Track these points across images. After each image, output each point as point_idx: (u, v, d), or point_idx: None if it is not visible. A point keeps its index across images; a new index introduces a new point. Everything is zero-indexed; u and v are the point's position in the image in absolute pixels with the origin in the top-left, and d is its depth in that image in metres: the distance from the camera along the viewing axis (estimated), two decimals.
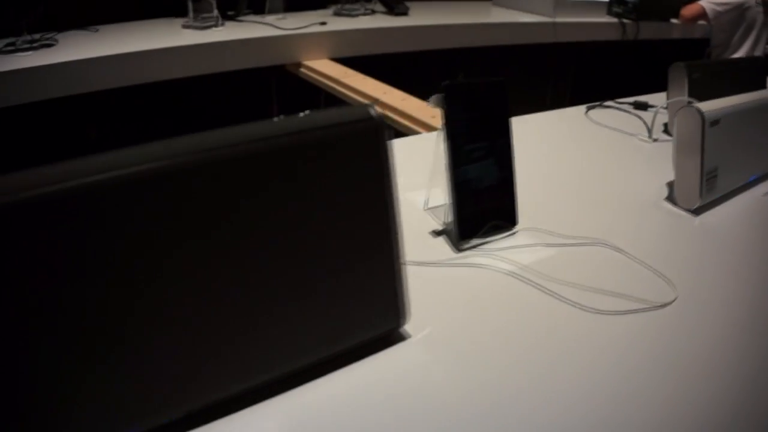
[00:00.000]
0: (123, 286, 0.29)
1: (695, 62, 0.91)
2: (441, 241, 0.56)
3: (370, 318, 0.39)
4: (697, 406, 0.38)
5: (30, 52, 1.35)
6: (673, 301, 0.50)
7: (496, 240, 0.57)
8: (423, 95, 1.30)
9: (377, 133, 0.36)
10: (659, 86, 1.12)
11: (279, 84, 1.67)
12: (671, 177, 0.72)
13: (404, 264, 0.40)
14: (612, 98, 1.11)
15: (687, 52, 2.64)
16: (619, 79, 2.26)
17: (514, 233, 0.58)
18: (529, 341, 0.43)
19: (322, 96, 1.69)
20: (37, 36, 1.42)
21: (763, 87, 1.00)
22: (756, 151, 0.79)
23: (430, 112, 1.18)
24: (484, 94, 0.54)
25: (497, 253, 0.55)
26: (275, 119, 0.36)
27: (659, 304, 0.49)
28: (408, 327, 0.42)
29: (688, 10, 2.52)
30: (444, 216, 0.57)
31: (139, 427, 0.31)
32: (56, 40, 1.44)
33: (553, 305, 0.48)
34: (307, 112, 0.36)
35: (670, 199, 0.71)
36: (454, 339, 0.43)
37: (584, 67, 2.31)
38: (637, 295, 0.50)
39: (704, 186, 0.69)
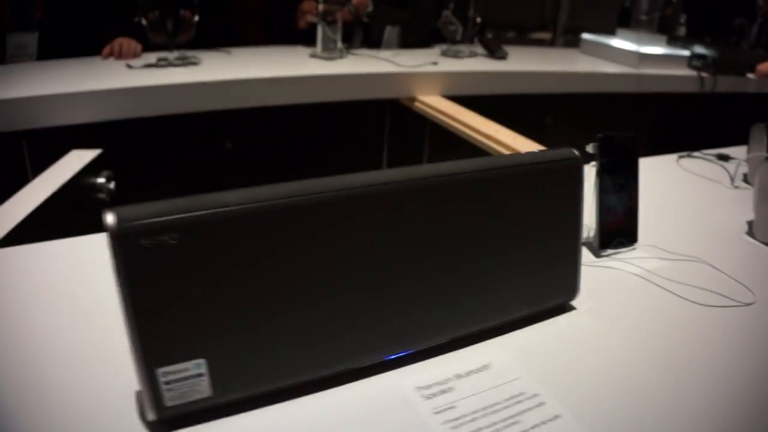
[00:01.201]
0: (370, 267, 0.51)
1: None
2: (584, 249, 0.79)
3: (550, 292, 0.62)
4: None
5: (182, 68, 1.64)
6: (754, 303, 0.71)
7: (624, 252, 0.79)
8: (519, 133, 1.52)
9: (578, 167, 0.59)
10: (734, 138, 1.32)
11: (392, 115, 1.92)
12: (750, 217, 0.93)
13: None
14: (687, 148, 1.31)
15: (762, 107, 2.81)
16: (694, 130, 2.46)
17: (635, 248, 0.81)
18: (656, 320, 0.65)
19: (427, 128, 1.95)
20: (186, 54, 1.69)
21: None
22: None
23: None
24: (623, 144, 0.77)
25: (626, 260, 0.77)
26: (513, 154, 0.59)
27: (744, 303, 0.70)
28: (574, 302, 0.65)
29: (764, 66, 2.69)
30: (587, 232, 0.80)
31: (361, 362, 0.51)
32: (199, 59, 1.72)
33: (668, 298, 0.70)
34: (534, 150, 0.59)
35: (750, 233, 0.92)
36: (609, 311, 0.65)
37: (662, 117, 2.50)
38: (728, 296, 0.71)
39: None
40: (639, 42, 2.36)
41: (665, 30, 2.62)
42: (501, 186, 0.55)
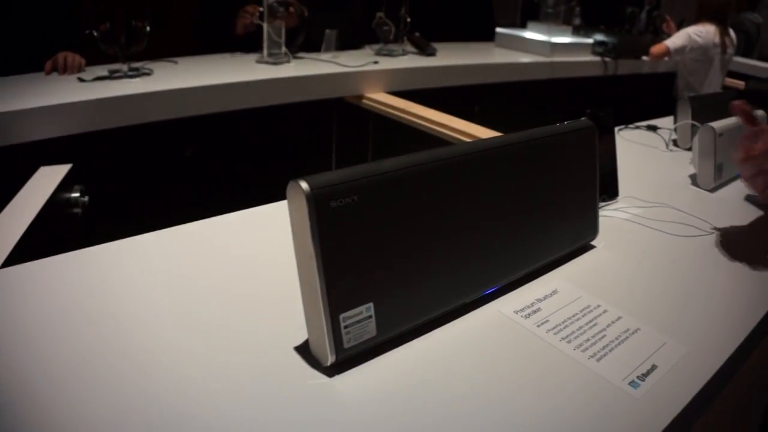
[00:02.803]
0: (456, 208, 0.65)
1: (694, 97, 1.34)
2: None
3: (581, 234, 0.77)
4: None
5: (138, 79, 1.67)
6: (714, 231, 0.90)
7: (611, 204, 0.96)
8: None
9: (593, 133, 0.75)
10: (643, 111, 1.55)
11: (339, 113, 2.04)
12: (688, 172, 1.14)
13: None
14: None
15: (655, 85, 3.18)
16: (607, 107, 2.73)
17: (617, 201, 0.98)
18: (652, 248, 0.82)
19: (371, 122, 2.08)
20: (137, 65, 1.72)
21: (730, 114, 1.44)
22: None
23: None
24: (604, 118, 0.94)
25: (615, 209, 0.94)
26: (538, 129, 0.73)
27: (708, 232, 0.89)
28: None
29: (655, 49, 3.06)
30: None
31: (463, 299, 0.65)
32: (151, 69, 1.76)
33: (655, 233, 0.87)
34: (566, 122, 0.74)
35: (695, 183, 1.12)
36: (619, 246, 0.82)
37: (573, 98, 2.78)
38: (697, 227, 0.90)
39: (715, 174, 1.10)
40: (549, 33, 2.62)
41: (565, 21, 2.90)
42: (543, 151, 0.69)
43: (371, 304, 0.53)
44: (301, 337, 0.56)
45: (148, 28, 1.65)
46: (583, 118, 0.87)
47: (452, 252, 0.59)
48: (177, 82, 1.62)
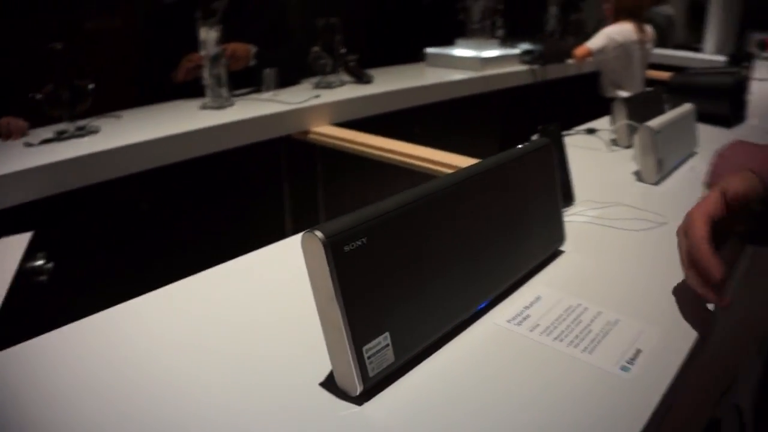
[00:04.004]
0: (443, 238, 0.75)
1: (629, 98, 1.48)
2: None
3: (551, 242, 0.87)
4: None
5: (86, 138, 1.69)
6: (667, 222, 1.01)
7: (569, 209, 1.07)
8: None
9: (550, 148, 0.85)
10: (576, 114, 1.68)
11: (287, 150, 2.11)
12: (631, 169, 1.27)
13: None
14: (535, 130, 1.66)
15: (583, 84, 3.39)
16: (538, 113, 2.92)
17: (575, 205, 1.09)
18: (616, 245, 0.93)
19: (317, 156, 2.16)
20: (82, 123, 1.73)
21: (663, 110, 1.60)
22: (678, 146, 1.35)
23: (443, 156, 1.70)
24: (554, 131, 1.05)
25: (574, 214, 1.05)
26: (501, 154, 0.83)
27: (661, 224, 1.01)
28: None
29: (578, 51, 3.27)
30: None
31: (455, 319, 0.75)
32: (98, 126, 1.77)
33: (615, 231, 0.98)
34: (520, 146, 0.84)
35: (639, 179, 1.25)
36: (585, 248, 0.92)
37: (509, 107, 2.94)
38: (651, 220, 1.01)
39: (657, 168, 1.23)
40: (478, 48, 2.77)
41: (489, 34, 3.07)
42: (510, 173, 0.79)
43: (387, 333, 0.60)
44: (321, 373, 0.63)
45: (91, 86, 1.68)
46: (535, 136, 0.98)
47: (448, 275, 0.67)
48: (127, 138, 1.65)
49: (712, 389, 1.08)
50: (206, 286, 0.84)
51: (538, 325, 0.71)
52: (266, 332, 0.72)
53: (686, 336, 0.68)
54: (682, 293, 0.77)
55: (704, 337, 0.69)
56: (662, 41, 4.18)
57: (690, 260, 0.70)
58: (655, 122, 1.26)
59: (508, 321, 0.72)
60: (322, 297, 0.58)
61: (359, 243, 0.58)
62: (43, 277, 1.33)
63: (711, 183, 0.97)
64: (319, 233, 0.56)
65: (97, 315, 0.75)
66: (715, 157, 1.00)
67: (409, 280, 0.63)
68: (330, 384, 0.61)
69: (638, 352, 0.65)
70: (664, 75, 3.39)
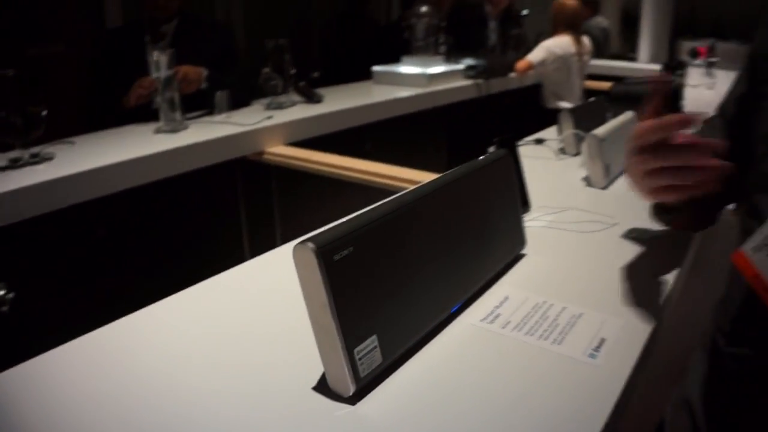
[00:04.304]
0: (419, 245, 0.81)
1: (573, 108, 1.58)
2: None
3: (513, 246, 0.94)
4: None
5: (42, 165, 1.68)
6: (617, 223, 1.10)
7: (527, 215, 1.14)
8: None
9: (509, 158, 0.92)
10: (521, 124, 1.77)
11: (242, 171, 2.13)
12: (580, 176, 1.36)
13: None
14: (482, 142, 1.75)
15: (525, 98, 3.53)
16: (485, 125, 3.03)
17: (531, 211, 1.16)
18: (572, 246, 1.00)
19: (273, 176, 2.20)
20: (36, 150, 1.73)
21: (606, 119, 1.70)
22: (623, 152, 1.45)
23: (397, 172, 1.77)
24: (509, 142, 1.12)
25: (531, 219, 1.12)
26: (465, 165, 0.90)
27: (612, 224, 1.09)
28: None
29: (519, 65, 3.41)
30: None
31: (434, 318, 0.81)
32: (52, 153, 1.76)
33: (571, 234, 1.06)
34: (482, 157, 0.90)
35: (588, 184, 1.34)
36: (544, 250, 0.99)
37: (455, 121, 3.04)
38: (601, 222, 1.10)
39: (605, 174, 1.32)
40: (423, 65, 2.86)
41: (434, 50, 3.18)
42: (475, 183, 0.85)
43: (375, 336, 0.65)
44: (312, 378, 0.67)
45: (44, 113, 1.67)
46: (493, 147, 1.05)
47: (425, 279, 0.73)
48: (83, 164, 1.65)
49: (664, 382, 1.17)
50: (181, 307, 0.86)
51: (509, 322, 0.77)
52: (257, 343, 0.75)
53: (645, 324, 0.75)
54: (636, 284, 0.85)
55: (657, 327, 0.76)
56: (599, 52, 4.39)
57: (639, 145, 0.71)
58: (600, 131, 1.35)
59: (482, 320, 0.77)
60: (314, 304, 0.62)
61: (347, 252, 0.62)
62: (4, 308, 1.32)
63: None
64: (311, 244, 0.60)
65: (66, 345, 0.76)
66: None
67: (392, 284, 0.68)
68: (323, 387, 0.65)
69: (603, 340, 0.72)
70: (603, 85, 3.57)
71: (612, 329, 0.74)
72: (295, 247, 0.61)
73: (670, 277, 0.87)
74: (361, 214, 0.67)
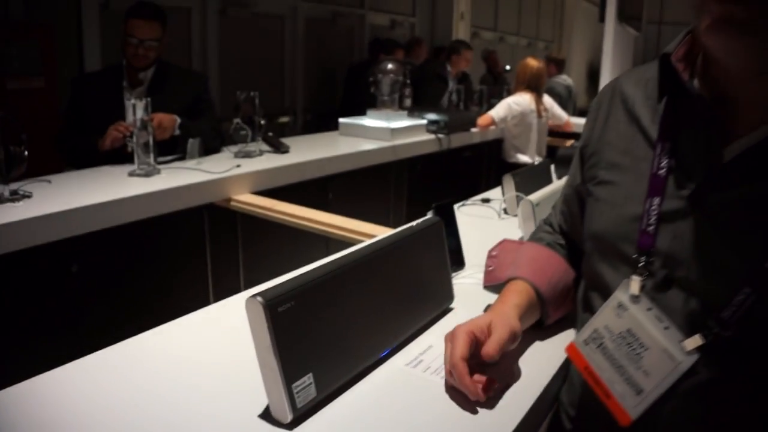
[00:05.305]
0: (353, 297, 0.98)
1: (515, 172, 1.78)
2: None
3: (441, 302, 1.11)
4: None
5: (21, 203, 1.81)
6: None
7: (460, 272, 1.32)
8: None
9: (440, 225, 1.10)
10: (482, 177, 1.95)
11: (210, 217, 2.29)
12: (519, 235, 1.54)
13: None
14: (442, 194, 1.93)
15: (486, 152, 3.76)
16: (444, 179, 3.23)
17: (465, 269, 1.34)
18: (486, 301, 1.18)
19: (238, 223, 2.36)
20: (15, 187, 1.85)
21: (550, 180, 1.91)
22: None
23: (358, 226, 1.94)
24: (446, 206, 1.30)
25: (463, 277, 1.30)
26: (400, 231, 1.07)
27: None
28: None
29: (481, 120, 3.66)
30: None
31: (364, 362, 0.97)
32: (30, 192, 1.88)
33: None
34: (413, 224, 1.08)
35: None
36: (471, 306, 1.16)
37: (416, 174, 3.24)
38: None
39: None
40: (388, 119, 3.07)
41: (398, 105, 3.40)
42: (407, 247, 1.02)
43: (311, 374, 0.81)
44: (259, 407, 0.82)
45: (26, 152, 1.80)
46: (430, 213, 1.23)
47: (359, 328, 0.89)
48: (61, 204, 1.79)
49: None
50: (143, 347, 1.01)
51: (429, 367, 0.93)
52: (214, 376, 0.90)
53: (544, 374, 0.92)
54: (542, 335, 1.02)
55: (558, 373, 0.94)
56: (564, 109, 4.66)
57: (450, 369, 0.84)
58: (535, 195, 1.54)
59: (406, 364, 0.94)
60: (261, 346, 0.78)
61: (289, 305, 0.79)
62: None
63: (486, 283, 1.21)
64: (260, 298, 0.76)
65: (31, 380, 0.88)
66: (488, 258, 1.23)
67: (328, 332, 0.84)
68: (267, 415, 0.81)
69: (507, 385, 0.89)
70: (569, 142, 3.85)
71: (518, 376, 0.91)
72: (247, 300, 0.77)
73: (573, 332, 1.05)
74: (305, 273, 0.83)
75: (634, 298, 0.78)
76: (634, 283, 0.78)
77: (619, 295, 0.80)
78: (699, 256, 0.73)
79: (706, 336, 0.71)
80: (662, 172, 0.78)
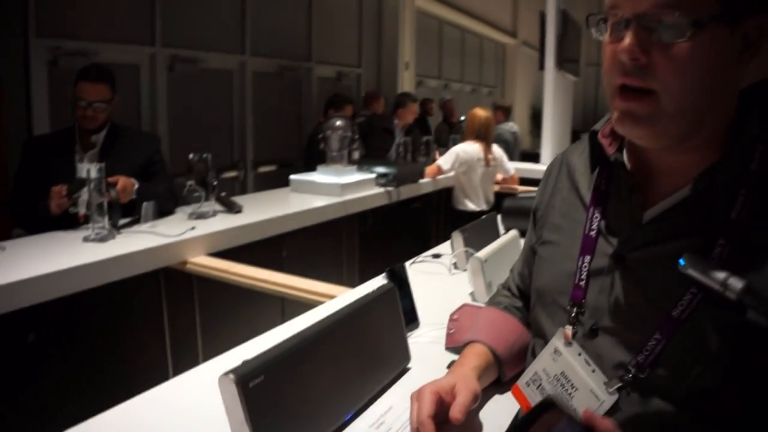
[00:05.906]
0: (317, 366, 1.06)
1: (464, 228, 1.89)
2: None
3: (398, 363, 1.19)
4: None
5: None
6: None
7: (415, 331, 1.41)
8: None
9: (394, 290, 1.19)
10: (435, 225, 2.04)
11: (165, 280, 2.32)
12: (470, 290, 1.65)
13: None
14: (394, 248, 2.04)
15: (436, 200, 3.89)
16: (395, 231, 3.34)
17: (420, 326, 1.43)
18: (441, 359, 1.27)
19: (194, 286, 2.40)
20: None
21: (498, 233, 2.03)
22: (505, 267, 1.76)
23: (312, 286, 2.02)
24: (399, 271, 1.40)
25: (419, 336, 1.38)
26: (357, 300, 1.16)
27: None
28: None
29: (429, 169, 3.81)
30: None
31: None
32: None
33: (442, 346, 1.32)
34: (368, 291, 1.17)
35: (474, 299, 1.62)
36: (430, 364, 1.24)
37: (367, 226, 3.34)
38: None
39: (487, 290, 1.61)
40: (337, 174, 3.17)
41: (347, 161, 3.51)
42: (364, 314, 1.11)
43: None
44: None
45: None
46: (383, 277, 1.32)
47: (324, 395, 0.97)
48: (15, 273, 1.82)
49: None
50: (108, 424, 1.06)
51: (391, 428, 1.01)
52: None
53: (503, 422, 1.01)
54: (503, 392, 1.11)
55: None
56: (510, 155, 4.86)
57: (418, 428, 0.89)
58: (483, 252, 1.65)
59: (369, 426, 1.02)
60: (235, 421, 0.85)
61: (260, 380, 0.86)
62: None
63: (448, 345, 1.28)
64: (232, 375, 0.84)
65: None
66: (450, 321, 1.31)
67: (297, 401, 0.92)
68: None
69: None
70: (521, 188, 4.04)
71: (480, 429, 1.00)
72: (220, 378, 0.84)
73: None
74: (272, 348, 0.91)
75: (567, 345, 0.89)
76: (567, 331, 0.90)
77: (555, 342, 0.91)
78: (619, 307, 0.85)
79: (623, 377, 0.82)
80: (593, 233, 0.90)
